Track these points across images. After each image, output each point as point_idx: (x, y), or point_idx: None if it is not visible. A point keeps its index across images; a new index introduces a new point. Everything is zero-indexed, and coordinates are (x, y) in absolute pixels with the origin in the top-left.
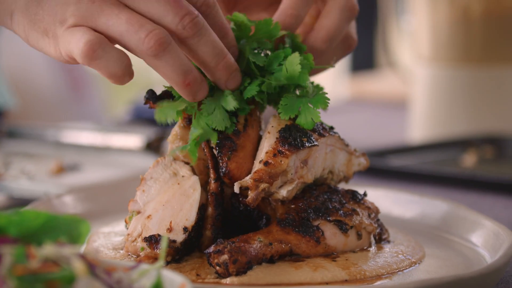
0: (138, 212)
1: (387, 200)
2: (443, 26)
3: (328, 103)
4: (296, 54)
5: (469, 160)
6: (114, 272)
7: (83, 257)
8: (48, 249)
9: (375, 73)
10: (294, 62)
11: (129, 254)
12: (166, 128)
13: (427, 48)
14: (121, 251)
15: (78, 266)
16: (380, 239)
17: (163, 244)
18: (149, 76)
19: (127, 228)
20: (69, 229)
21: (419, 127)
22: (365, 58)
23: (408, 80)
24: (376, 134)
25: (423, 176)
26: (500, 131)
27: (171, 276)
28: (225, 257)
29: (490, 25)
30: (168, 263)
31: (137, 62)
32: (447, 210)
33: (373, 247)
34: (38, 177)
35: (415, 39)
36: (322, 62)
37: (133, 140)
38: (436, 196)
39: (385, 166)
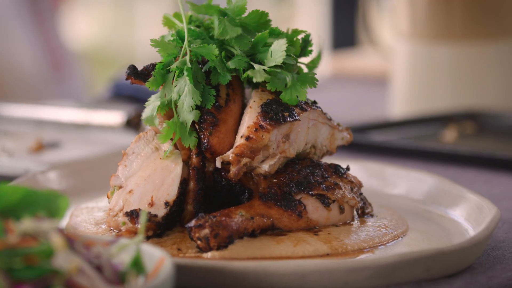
0: (120, 187)
1: (370, 174)
2: (423, 2)
3: (317, 82)
4: (283, 40)
5: (449, 135)
6: (93, 247)
7: (61, 231)
8: (27, 224)
9: (356, 50)
10: (280, 46)
11: (110, 229)
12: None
13: (407, 25)
14: (103, 226)
15: (57, 241)
16: (363, 213)
17: (143, 219)
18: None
19: (109, 203)
20: (47, 204)
21: (400, 103)
22: (345, 35)
23: (388, 57)
24: (357, 110)
25: (405, 151)
26: (480, 107)
27: (151, 251)
28: (206, 231)
29: (470, 1)
30: (149, 237)
31: (117, 39)
32: (431, 184)
33: (356, 221)
34: (18, 154)
35: (395, 16)
36: None
37: (113, 117)
38: (419, 170)
39: (367, 141)
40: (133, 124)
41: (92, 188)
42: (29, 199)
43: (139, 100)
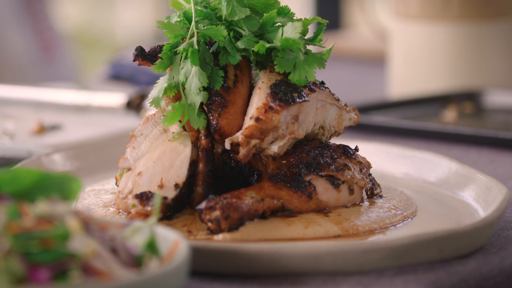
0: (129, 169)
1: (375, 155)
2: None
3: (325, 63)
4: (299, 23)
5: (449, 115)
6: (107, 230)
7: (77, 214)
8: (41, 207)
9: (351, 31)
10: (294, 29)
11: (119, 211)
12: (146, 86)
13: (403, 6)
14: (112, 209)
15: (73, 224)
16: (372, 194)
17: (156, 201)
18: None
19: (118, 186)
20: (60, 187)
21: (397, 83)
22: (340, 16)
23: (385, 38)
24: (354, 91)
25: (407, 131)
26: (479, 86)
27: (165, 233)
28: (217, 213)
29: None
30: (159, 220)
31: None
32: (438, 165)
33: (365, 202)
34: (19, 136)
35: None
36: None
37: (114, 98)
38: (424, 151)
39: (368, 122)
40: (134, 106)
41: (97, 170)
42: (43, 182)
43: (138, 81)
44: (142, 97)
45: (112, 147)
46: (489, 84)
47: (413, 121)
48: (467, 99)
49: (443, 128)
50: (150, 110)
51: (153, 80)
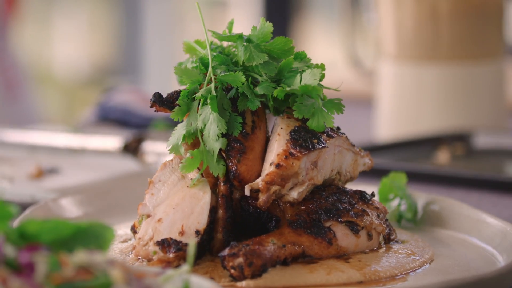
0: (148, 216)
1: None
2: (409, 23)
3: (343, 108)
4: (319, 70)
5: (442, 157)
6: (144, 278)
7: (118, 264)
8: (80, 256)
9: (331, 70)
10: (313, 76)
11: (138, 258)
12: (143, 129)
13: (392, 46)
14: (130, 255)
15: (116, 274)
16: (389, 239)
17: (191, 249)
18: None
19: (137, 232)
20: (95, 236)
21: (386, 125)
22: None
23: (372, 79)
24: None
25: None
26: (469, 128)
27: (200, 282)
28: (240, 260)
29: (458, 23)
30: (177, 266)
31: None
32: (448, 208)
33: (383, 248)
34: (19, 181)
35: (379, 37)
36: None
37: (110, 141)
38: (435, 194)
39: None
40: (131, 149)
41: (104, 216)
42: (80, 232)
43: (127, 123)
44: (139, 140)
45: (117, 191)
46: (479, 124)
47: (409, 163)
48: (458, 141)
49: (442, 170)
50: (148, 154)
51: (144, 123)
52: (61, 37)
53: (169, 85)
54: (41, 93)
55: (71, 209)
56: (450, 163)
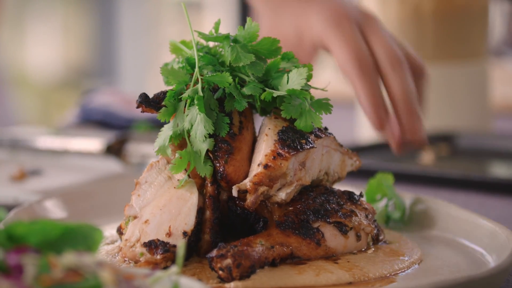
0: (135, 217)
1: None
2: (393, 23)
3: (331, 108)
4: (305, 69)
5: (427, 157)
6: (133, 280)
7: (108, 265)
8: (69, 258)
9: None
10: (300, 75)
11: (125, 260)
12: (125, 131)
13: None
14: (117, 257)
15: (105, 275)
16: (377, 240)
17: (180, 250)
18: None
19: (123, 233)
20: (84, 238)
21: (368, 127)
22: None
23: None
24: None
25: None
26: (453, 128)
27: (189, 283)
28: (228, 261)
29: (441, 23)
30: (165, 268)
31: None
32: (436, 209)
33: (372, 248)
34: (1, 183)
35: None
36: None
37: (92, 143)
38: (424, 195)
39: None
40: (114, 150)
41: (89, 217)
42: (69, 233)
43: (109, 125)
44: (122, 141)
45: (100, 192)
46: (462, 125)
47: (395, 164)
48: (443, 141)
49: (429, 171)
50: (131, 155)
51: (125, 124)
52: (36, 40)
53: (145, 86)
54: (16, 96)
55: (55, 211)
56: (434, 163)
